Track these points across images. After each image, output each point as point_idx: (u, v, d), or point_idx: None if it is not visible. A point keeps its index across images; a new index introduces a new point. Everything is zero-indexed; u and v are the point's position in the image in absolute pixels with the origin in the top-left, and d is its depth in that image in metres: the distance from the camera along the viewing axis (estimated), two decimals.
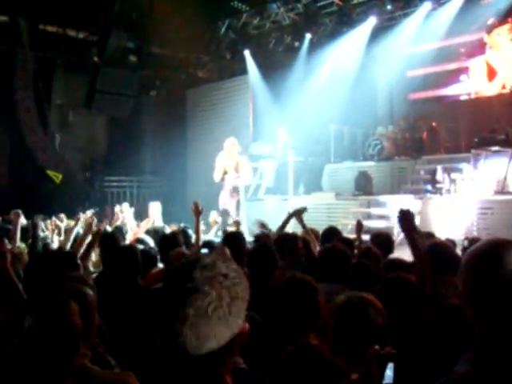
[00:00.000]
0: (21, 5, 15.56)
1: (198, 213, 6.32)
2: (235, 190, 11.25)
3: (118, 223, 8.36)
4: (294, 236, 5.80)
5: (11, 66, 16.10)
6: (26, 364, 2.11)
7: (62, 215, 9.10)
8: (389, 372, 1.80)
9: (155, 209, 10.16)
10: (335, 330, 2.68)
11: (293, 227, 7.79)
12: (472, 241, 5.59)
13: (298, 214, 6.99)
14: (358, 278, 4.17)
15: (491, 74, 15.57)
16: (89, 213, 8.88)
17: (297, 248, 5.35)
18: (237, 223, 8.36)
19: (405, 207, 4.05)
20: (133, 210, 9.48)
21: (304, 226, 6.84)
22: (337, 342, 2.64)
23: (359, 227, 6.75)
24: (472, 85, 15.93)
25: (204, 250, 5.65)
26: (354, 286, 4.08)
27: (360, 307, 2.65)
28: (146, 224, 8.93)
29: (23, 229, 7.83)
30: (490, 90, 15.58)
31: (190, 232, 6.94)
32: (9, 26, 15.95)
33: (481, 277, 1.72)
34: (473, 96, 15.97)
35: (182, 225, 9.31)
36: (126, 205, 10.27)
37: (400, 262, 4.66)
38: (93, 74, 16.76)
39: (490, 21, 15.11)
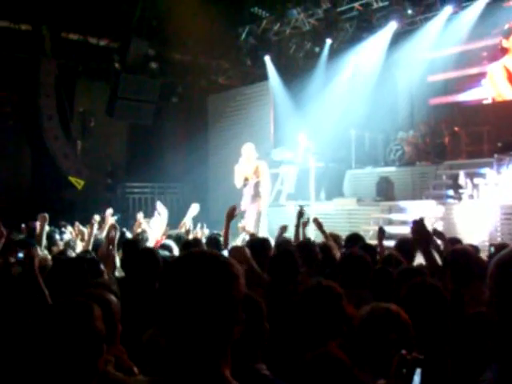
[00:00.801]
0: (43, 13, 15.76)
1: (231, 217, 6.30)
2: (257, 195, 11.20)
3: (139, 230, 8.36)
4: (313, 242, 5.78)
5: (35, 74, 16.28)
6: (49, 366, 2.12)
7: (77, 223, 8.99)
8: (416, 378, 1.78)
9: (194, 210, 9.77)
10: (360, 342, 2.64)
11: (314, 234, 7.77)
12: (498, 247, 5.53)
13: (300, 216, 6.95)
14: (379, 284, 4.14)
15: (510, 77, 15.43)
16: (112, 219, 8.91)
17: (316, 254, 5.33)
18: (242, 228, 8.38)
19: (419, 217, 4.01)
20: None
21: (324, 232, 6.81)
22: (361, 354, 2.61)
23: (380, 234, 6.70)
24: (491, 90, 15.79)
25: (225, 252, 5.65)
26: (377, 292, 4.07)
27: (385, 319, 2.61)
28: (183, 226, 8.80)
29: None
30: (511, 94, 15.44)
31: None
32: (32, 35, 16.16)
33: (508, 284, 1.69)
34: (493, 100, 15.80)
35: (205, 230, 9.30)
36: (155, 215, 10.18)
37: (420, 269, 4.61)
38: (114, 81, 16.92)
39: (508, 25, 14.99)
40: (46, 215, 6.59)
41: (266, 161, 11.95)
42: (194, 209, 9.15)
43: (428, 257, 3.87)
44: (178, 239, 7.11)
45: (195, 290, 1.59)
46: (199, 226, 9.27)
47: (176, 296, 1.60)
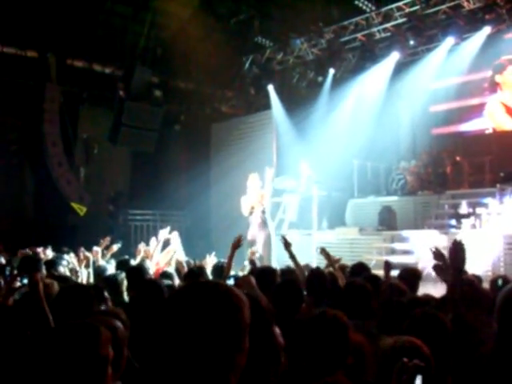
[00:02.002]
0: (49, 41, 15.93)
1: (237, 247, 6.32)
2: (264, 222, 11.26)
3: (138, 259, 8.31)
4: (322, 272, 5.72)
5: (39, 101, 16.40)
6: None
7: (82, 249, 8.99)
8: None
9: (175, 240, 9.99)
10: (381, 375, 2.62)
11: (317, 261, 7.73)
12: (506, 280, 5.51)
13: (287, 246, 6.78)
14: (385, 315, 4.11)
15: (509, 112, 15.55)
16: (115, 247, 8.92)
17: (324, 283, 5.28)
18: (252, 253, 8.37)
19: (458, 238, 4.00)
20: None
21: (332, 264, 6.72)
22: None
23: (387, 267, 6.62)
24: (492, 123, 15.88)
25: (230, 281, 5.64)
26: (382, 323, 4.05)
27: (409, 353, 2.57)
28: (167, 255, 8.84)
29: (49, 261, 7.89)
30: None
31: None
32: (38, 62, 16.32)
33: None
34: (494, 131, 15.87)
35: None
36: (153, 239, 10.22)
37: (427, 299, 4.60)
38: (118, 109, 17.02)
39: (499, 60, 15.14)
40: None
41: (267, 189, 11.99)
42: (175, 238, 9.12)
43: (454, 284, 3.83)
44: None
45: (196, 320, 1.59)
46: (208, 255, 9.28)
47: (177, 326, 1.61)
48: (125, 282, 5.53)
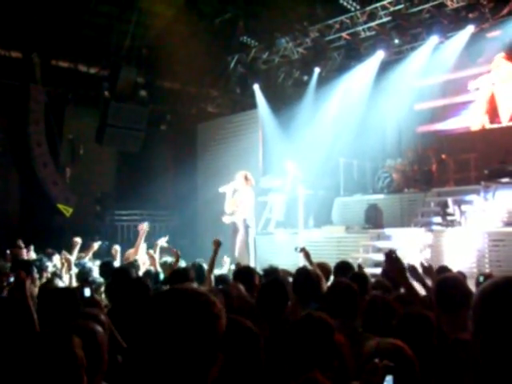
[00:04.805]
0: (34, 41, 15.84)
1: (216, 248, 6.59)
2: (235, 226, 11.46)
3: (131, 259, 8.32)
4: (309, 270, 5.69)
5: (24, 101, 16.29)
6: None
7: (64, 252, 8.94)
8: None
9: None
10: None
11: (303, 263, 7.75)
12: (487, 277, 5.55)
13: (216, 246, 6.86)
14: (370, 314, 4.13)
15: (495, 106, 15.69)
16: (96, 245, 8.92)
17: (311, 283, 5.24)
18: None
19: (390, 250, 4.05)
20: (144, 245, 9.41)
21: (311, 263, 6.76)
22: None
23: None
24: (478, 117, 16.00)
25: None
26: (367, 321, 4.07)
27: (391, 356, 2.57)
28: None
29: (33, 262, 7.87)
30: (496, 122, 15.65)
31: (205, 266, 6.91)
32: (22, 62, 16.22)
33: (493, 314, 1.71)
34: (480, 128, 15.99)
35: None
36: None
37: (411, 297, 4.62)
38: (103, 109, 16.96)
39: (498, 54, 15.28)
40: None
41: (254, 188, 12.05)
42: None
43: (406, 287, 3.90)
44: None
45: (172, 328, 1.60)
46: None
47: (152, 333, 1.62)
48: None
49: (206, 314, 1.63)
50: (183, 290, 1.75)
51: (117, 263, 8.34)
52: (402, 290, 4.76)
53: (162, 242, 9.06)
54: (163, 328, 1.60)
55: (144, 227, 8.84)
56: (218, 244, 6.67)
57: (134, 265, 7.33)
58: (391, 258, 3.95)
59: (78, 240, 8.64)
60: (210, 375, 1.63)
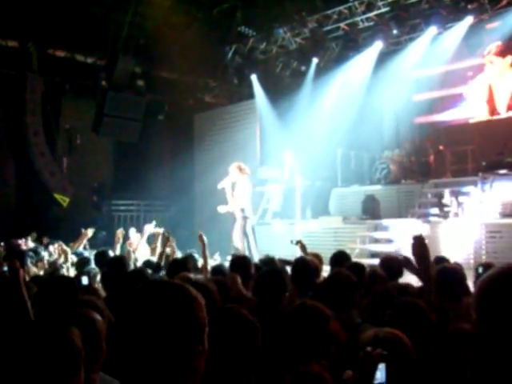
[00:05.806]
0: (30, 30, 15.77)
1: (202, 241, 6.73)
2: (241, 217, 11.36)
3: (118, 247, 8.29)
4: (307, 261, 5.63)
5: (21, 91, 16.26)
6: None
7: (60, 242, 8.87)
8: (379, 374, 1.83)
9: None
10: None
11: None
12: (486, 267, 5.54)
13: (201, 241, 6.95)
14: (368, 304, 4.12)
15: (492, 98, 15.67)
16: (89, 231, 8.87)
17: (309, 273, 5.22)
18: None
19: (417, 233, 4.01)
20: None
21: (306, 254, 6.74)
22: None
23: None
24: (475, 108, 15.99)
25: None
26: (366, 312, 4.06)
27: (389, 345, 2.56)
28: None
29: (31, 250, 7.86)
30: (494, 113, 15.63)
31: (197, 256, 7.06)
32: (19, 51, 16.16)
33: (493, 304, 1.70)
34: (478, 120, 15.98)
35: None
36: (132, 230, 10.25)
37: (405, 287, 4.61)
38: (101, 99, 16.91)
39: (495, 44, 15.24)
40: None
41: (251, 179, 12.01)
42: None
43: (425, 275, 3.87)
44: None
45: (153, 321, 1.62)
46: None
47: (136, 326, 1.64)
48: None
49: (185, 306, 1.65)
50: (165, 282, 1.79)
51: (118, 247, 8.34)
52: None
53: (150, 228, 9.08)
54: (144, 318, 1.63)
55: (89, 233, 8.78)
56: (201, 239, 6.76)
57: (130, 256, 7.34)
58: (421, 241, 3.92)
59: (89, 232, 8.64)
60: (193, 367, 1.64)
